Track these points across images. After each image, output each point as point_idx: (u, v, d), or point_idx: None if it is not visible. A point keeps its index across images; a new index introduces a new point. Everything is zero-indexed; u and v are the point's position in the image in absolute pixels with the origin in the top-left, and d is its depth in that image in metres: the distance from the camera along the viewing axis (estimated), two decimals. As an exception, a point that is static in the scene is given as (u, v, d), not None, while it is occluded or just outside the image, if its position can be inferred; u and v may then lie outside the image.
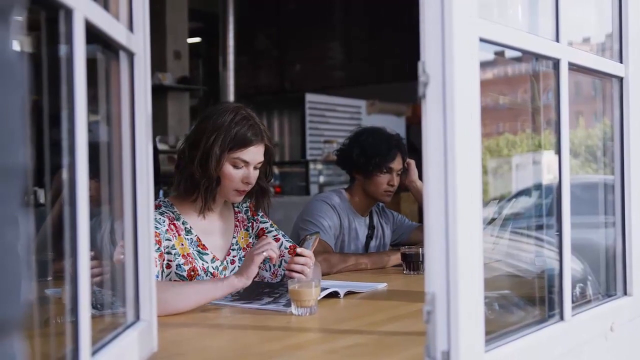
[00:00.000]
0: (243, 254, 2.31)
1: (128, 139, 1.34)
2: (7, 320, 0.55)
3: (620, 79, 1.78)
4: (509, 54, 1.55)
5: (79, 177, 0.99)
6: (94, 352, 1.07)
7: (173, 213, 2.20)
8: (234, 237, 2.32)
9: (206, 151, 2.13)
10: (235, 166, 2.16)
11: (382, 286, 2.33)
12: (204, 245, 2.22)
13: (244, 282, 1.95)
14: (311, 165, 7.49)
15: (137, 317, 1.35)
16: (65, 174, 1.00)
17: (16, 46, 0.59)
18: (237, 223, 2.36)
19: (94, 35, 1.10)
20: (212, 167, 2.13)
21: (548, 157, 1.87)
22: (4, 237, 0.54)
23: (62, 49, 1.01)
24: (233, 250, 2.31)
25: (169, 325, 1.73)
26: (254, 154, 2.18)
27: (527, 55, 1.59)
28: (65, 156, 0.99)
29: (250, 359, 1.49)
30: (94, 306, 1.23)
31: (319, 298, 1.91)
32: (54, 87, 1.02)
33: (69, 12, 0.98)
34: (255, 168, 2.20)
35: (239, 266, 2.26)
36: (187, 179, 2.18)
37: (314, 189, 7.36)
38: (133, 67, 1.34)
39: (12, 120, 0.54)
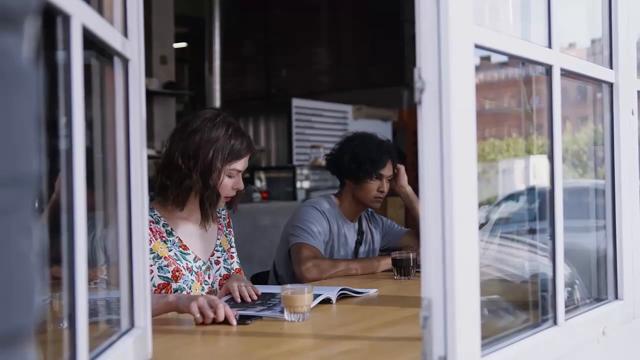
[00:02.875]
0: (226, 256, 2.40)
1: (122, 144, 1.33)
2: (22, 329, 0.55)
3: (611, 85, 1.79)
4: (494, 59, 1.56)
5: (76, 184, 0.99)
6: (90, 360, 1.06)
7: (152, 216, 2.24)
8: (218, 239, 2.40)
9: (207, 165, 2.20)
10: (230, 176, 2.26)
11: (373, 292, 2.34)
12: (185, 245, 2.27)
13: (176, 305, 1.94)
14: (298, 171, 7.46)
15: (132, 324, 1.35)
16: (62, 180, 0.99)
17: (29, 55, 0.58)
18: (220, 227, 2.43)
19: (88, 40, 1.09)
20: (214, 180, 2.22)
21: (535, 162, 1.88)
22: (18, 246, 0.54)
23: (59, 55, 1.00)
24: (217, 251, 2.38)
25: (163, 332, 1.72)
26: (245, 162, 2.30)
27: (513, 61, 1.60)
28: (63, 162, 0.99)
29: (245, 365, 1.48)
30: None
31: (312, 305, 1.90)
32: (49, 93, 1.01)
33: (66, 18, 0.97)
34: (242, 174, 2.32)
35: (224, 267, 2.36)
36: (185, 191, 2.23)
37: (300, 194, 7.34)
38: (128, 73, 1.33)
39: (25, 128, 0.54)
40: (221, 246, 2.39)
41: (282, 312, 1.89)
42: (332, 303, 2.10)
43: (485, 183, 1.90)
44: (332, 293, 2.13)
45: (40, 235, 0.59)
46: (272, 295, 2.17)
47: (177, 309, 1.93)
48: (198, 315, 1.81)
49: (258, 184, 7.53)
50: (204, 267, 2.29)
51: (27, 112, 0.55)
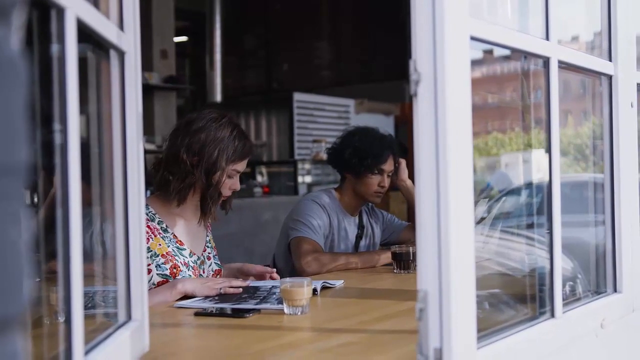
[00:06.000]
0: (215, 252, 2.46)
1: (119, 138, 1.33)
2: (10, 317, 0.55)
3: (610, 77, 1.79)
4: (497, 52, 1.55)
5: (71, 178, 0.99)
6: (86, 352, 1.06)
7: (147, 214, 2.26)
8: (208, 236, 2.45)
9: (212, 164, 2.24)
10: (230, 176, 2.30)
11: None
12: (180, 241, 2.31)
13: (180, 291, 2.10)
14: (299, 165, 7.46)
15: (129, 317, 1.35)
16: (57, 175, 0.99)
17: (17, 45, 0.58)
18: (208, 224, 2.48)
19: (84, 34, 1.09)
20: (217, 178, 2.26)
21: (537, 156, 1.88)
22: (7, 234, 0.54)
23: (53, 48, 1.00)
24: (208, 247, 2.43)
25: (161, 325, 1.73)
26: (245, 164, 2.35)
27: (516, 54, 1.60)
28: (58, 157, 0.99)
29: (243, 358, 1.48)
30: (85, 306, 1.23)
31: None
32: (44, 87, 1.01)
33: (60, 11, 0.97)
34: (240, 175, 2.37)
35: (215, 262, 2.43)
36: (186, 187, 2.26)
37: (302, 188, 7.35)
38: (124, 66, 1.33)
39: (14, 118, 0.54)
40: (210, 243, 2.46)
41: (279, 302, 1.90)
42: (317, 294, 2.11)
43: (488, 177, 1.90)
44: (316, 285, 2.15)
45: (30, 225, 0.59)
46: (257, 288, 2.18)
47: (192, 294, 2.08)
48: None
49: (259, 178, 7.53)
50: (198, 262, 2.35)
51: (15, 102, 0.55)
